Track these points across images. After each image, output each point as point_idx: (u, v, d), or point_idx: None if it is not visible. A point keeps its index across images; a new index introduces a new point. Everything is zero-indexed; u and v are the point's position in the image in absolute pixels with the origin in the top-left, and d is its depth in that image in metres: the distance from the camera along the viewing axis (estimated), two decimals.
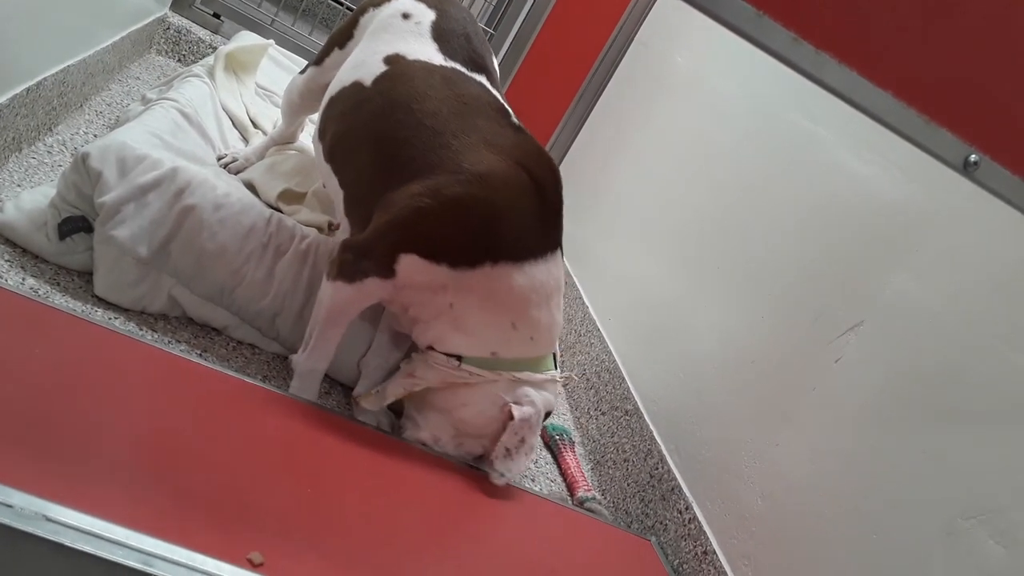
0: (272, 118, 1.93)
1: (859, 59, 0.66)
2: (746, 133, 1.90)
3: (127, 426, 0.94)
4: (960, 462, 1.11)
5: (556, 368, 1.40)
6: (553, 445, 1.78)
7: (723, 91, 2.08)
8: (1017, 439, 1.06)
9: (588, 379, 2.04)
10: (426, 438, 1.36)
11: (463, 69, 1.47)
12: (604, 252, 2.32)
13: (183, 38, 2.40)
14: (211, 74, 1.86)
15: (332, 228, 1.59)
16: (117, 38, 1.97)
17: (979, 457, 1.09)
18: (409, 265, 1.25)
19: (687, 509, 1.51)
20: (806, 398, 1.39)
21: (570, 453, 1.77)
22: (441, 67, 1.44)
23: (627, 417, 1.81)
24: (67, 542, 0.60)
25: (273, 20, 2.65)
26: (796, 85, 1.76)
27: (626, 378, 1.89)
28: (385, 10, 1.57)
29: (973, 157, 0.71)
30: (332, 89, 1.50)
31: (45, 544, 0.60)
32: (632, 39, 2.69)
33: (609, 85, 2.73)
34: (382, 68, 1.43)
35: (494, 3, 2.92)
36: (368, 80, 1.42)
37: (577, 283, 2.32)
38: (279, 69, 2.24)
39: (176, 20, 2.42)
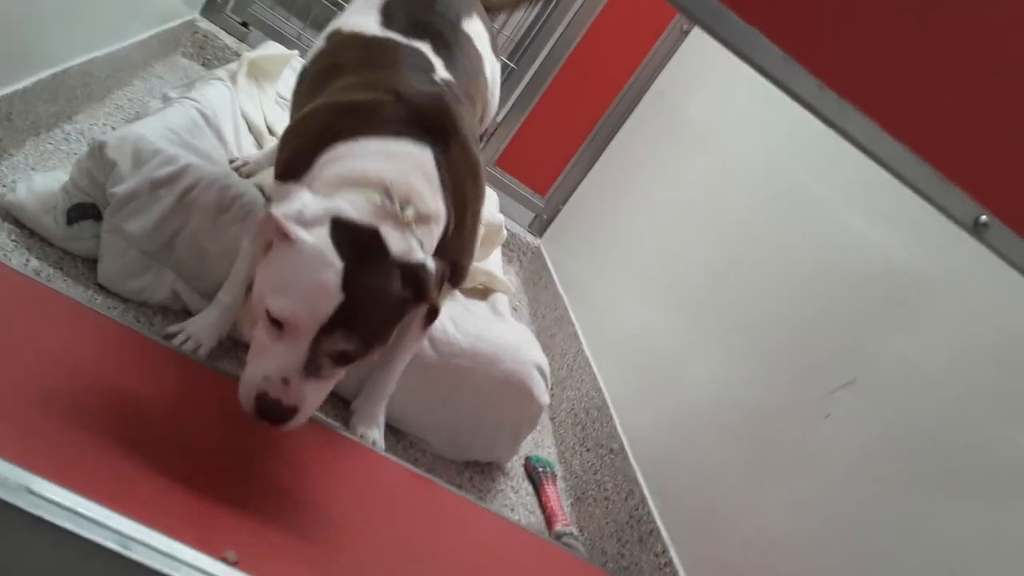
0: None
1: (880, 111, 0.67)
2: (754, 188, 1.92)
3: (117, 412, 0.93)
4: (943, 530, 1.10)
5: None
6: (536, 476, 1.77)
7: (735, 146, 2.10)
8: (1002, 512, 1.06)
9: (576, 415, 2.03)
10: None
11: (399, 37, 1.38)
12: (604, 291, 2.32)
13: (210, 43, 2.43)
14: (233, 79, 1.88)
15: None
16: (145, 36, 1.99)
17: (962, 526, 1.08)
18: (273, 190, 1.26)
19: (663, 552, 1.49)
20: (794, 452, 1.38)
21: (551, 486, 1.76)
22: (372, 37, 1.38)
23: (612, 456, 1.80)
24: (47, 516, 0.60)
25: (300, 34, 2.68)
26: (807, 145, 1.79)
27: (614, 417, 1.88)
28: None
29: (983, 218, 0.72)
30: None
31: (25, 517, 0.59)
32: (649, 86, 2.72)
33: (623, 129, 2.76)
34: (321, 46, 1.44)
35: (516, 40, 2.96)
36: (310, 60, 1.43)
37: (574, 318, 2.33)
38: None
39: (205, 25, 2.45)
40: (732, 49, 0.66)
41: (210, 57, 2.44)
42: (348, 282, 1.00)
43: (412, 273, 1.07)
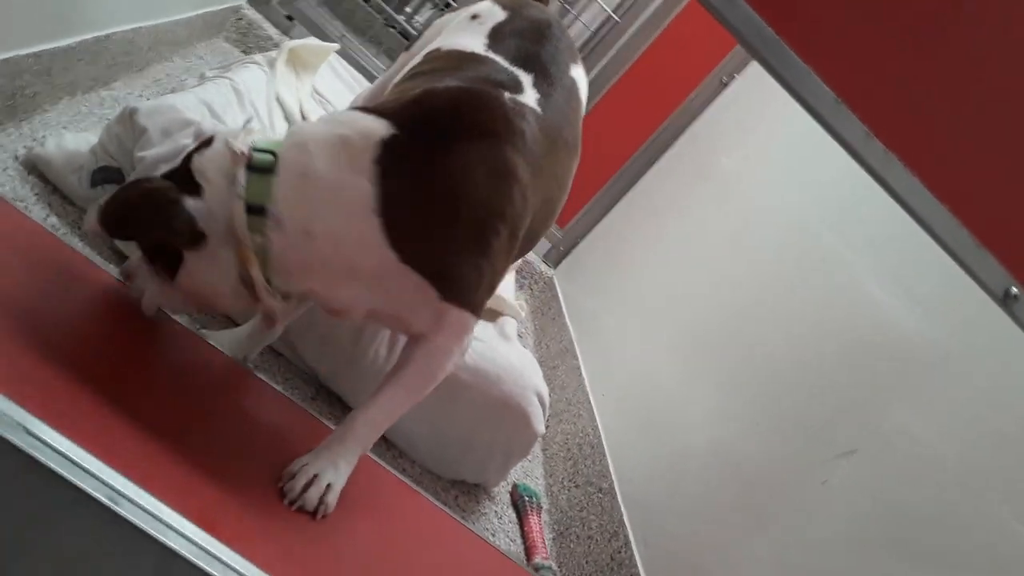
0: None
1: (925, 167, 0.67)
2: (774, 244, 1.91)
3: (119, 370, 0.93)
4: None
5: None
6: (521, 505, 1.75)
7: (760, 200, 2.10)
8: None
9: (569, 449, 2.01)
10: None
11: (501, 60, 1.30)
12: (612, 330, 2.31)
13: (252, 31, 2.45)
14: (271, 65, 1.89)
15: None
16: (192, 15, 2.01)
17: None
18: None
19: None
20: (786, 512, 1.37)
21: (535, 517, 1.74)
22: (470, 53, 1.31)
23: (600, 495, 1.78)
24: (41, 458, 0.59)
25: (342, 36, 2.70)
26: (832, 207, 1.79)
27: (607, 456, 1.87)
28: (460, 13, 1.50)
29: (1014, 290, 0.71)
30: None
31: (19, 455, 0.58)
32: (682, 132, 2.73)
33: (651, 171, 2.77)
34: (417, 61, 1.37)
35: None
36: (395, 78, 1.40)
37: (578, 353, 2.32)
38: (338, 80, 2.27)
39: (250, 13, 2.47)
40: (785, 86, 0.66)
41: (251, 45, 2.46)
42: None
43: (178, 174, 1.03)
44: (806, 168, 1.94)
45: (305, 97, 1.98)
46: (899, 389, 1.35)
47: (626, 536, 1.63)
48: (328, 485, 1.04)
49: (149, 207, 0.99)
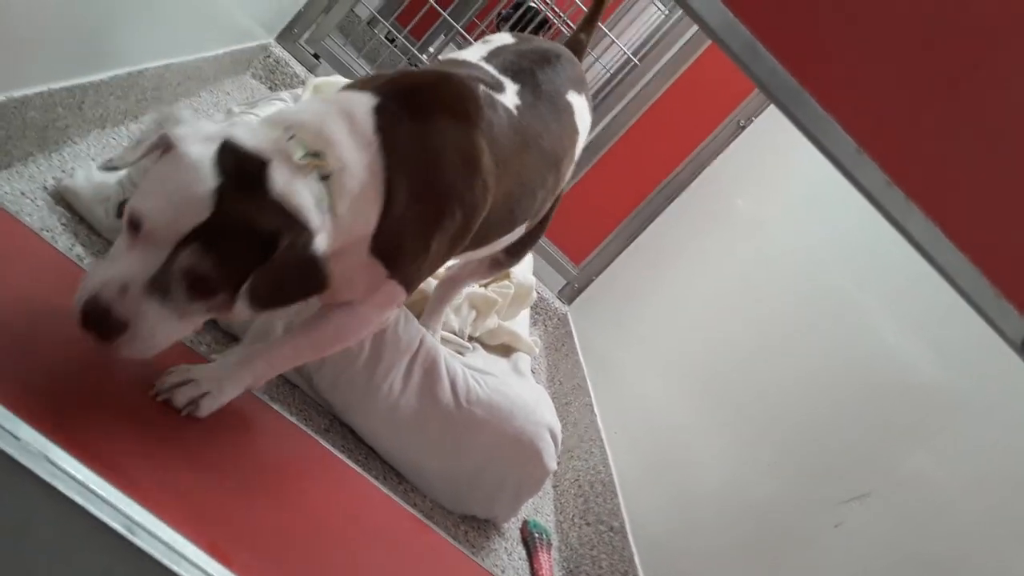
0: None
1: (946, 216, 0.67)
2: (790, 286, 1.91)
3: (136, 400, 0.93)
4: None
5: None
6: (531, 542, 1.73)
7: (776, 242, 2.11)
8: None
9: (580, 486, 2.00)
10: None
11: (491, 68, 1.34)
12: (625, 365, 2.31)
13: (279, 69, 2.50)
14: (296, 101, 1.92)
15: None
16: (220, 52, 2.05)
17: None
18: None
19: None
20: (799, 555, 1.35)
21: (545, 555, 1.72)
22: (464, 61, 1.37)
23: (611, 534, 1.77)
24: (61, 487, 0.59)
25: (367, 75, 2.75)
26: (849, 251, 1.79)
27: (619, 494, 1.85)
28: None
29: None
30: None
31: (40, 485, 0.59)
32: (699, 174, 2.75)
33: (667, 211, 2.78)
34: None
35: None
36: None
37: (591, 390, 2.31)
38: None
39: (277, 51, 2.52)
40: (806, 134, 0.67)
41: (278, 82, 2.50)
42: (218, 201, 0.90)
43: (286, 216, 0.94)
44: (822, 212, 1.94)
45: None
46: (914, 434, 1.34)
47: (636, 575, 1.61)
48: (205, 394, 1.03)
49: (302, 277, 0.95)
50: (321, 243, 0.95)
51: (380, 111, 1.07)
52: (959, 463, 1.24)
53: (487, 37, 1.54)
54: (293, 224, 0.93)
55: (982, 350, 1.23)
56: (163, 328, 0.90)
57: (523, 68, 1.39)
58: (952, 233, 0.68)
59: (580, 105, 1.52)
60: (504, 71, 1.36)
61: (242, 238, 0.92)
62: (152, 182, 0.95)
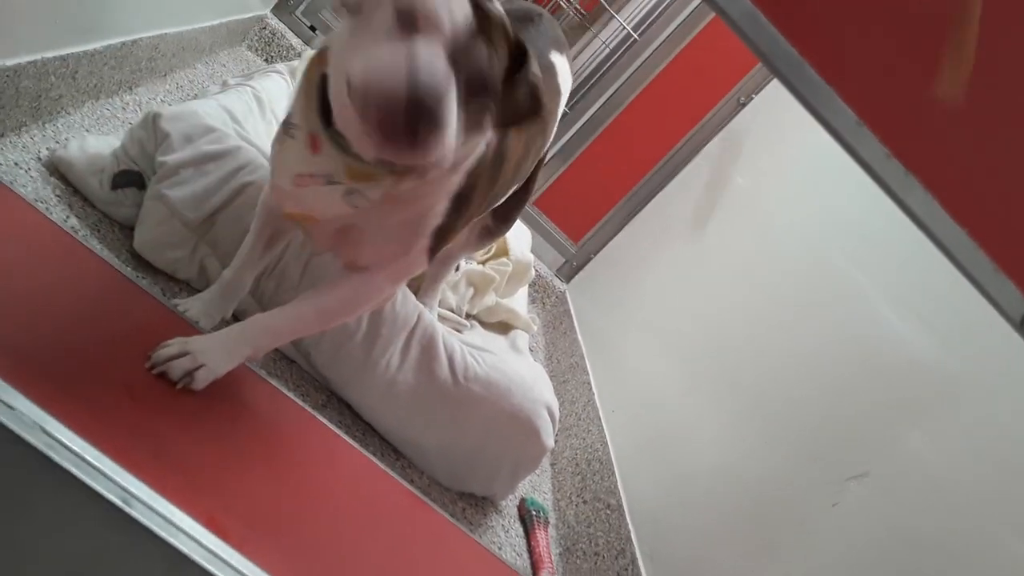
0: None
1: (945, 189, 0.67)
2: (787, 265, 1.91)
3: (131, 372, 0.93)
4: None
5: None
6: (528, 519, 1.74)
7: (775, 222, 2.10)
8: None
9: (577, 464, 2.01)
10: None
11: None
12: (623, 346, 2.31)
13: (276, 41, 2.47)
14: (293, 74, 1.90)
15: None
16: (216, 22, 2.03)
17: None
18: None
19: None
20: (795, 535, 1.36)
21: (542, 532, 1.73)
22: None
23: (608, 511, 1.78)
24: (56, 458, 0.59)
25: None
26: (848, 231, 1.78)
27: (616, 472, 1.86)
28: None
29: None
30: None
31: (35, 454, 0.59)
32: (698, 152, 2.74)
33: (665, 189, 2.77)
34: None
35: (574, 85, 2.99)
36: None
37: (589, 368, 2.31)
38: None
39: (274, 22, 2.50)
40: (806, 105, 0.66)
41: (274, 54, 2.48)
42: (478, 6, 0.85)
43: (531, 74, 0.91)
44: (821, 190, 1.93)
45: None
46: (912, 413, 1.34)
47: (633, 554, 1.62)
48: (202, 366, 1.01)
49: (534, 99, 0.93)
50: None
51: None
52: (956, 442, 1.24)
53: None
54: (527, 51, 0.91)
55: (979, 328, 1.23)
56: (455, 133, 0.83)
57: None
58: (951, 207, 0.67)
59: (562, 65, 1.49)
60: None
61: (503, 44, 0.88)
62: None
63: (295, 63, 2.00)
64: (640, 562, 1.60)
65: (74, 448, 0.61)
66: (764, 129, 2.45)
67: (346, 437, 1.31)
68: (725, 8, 0.60)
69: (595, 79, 2.90)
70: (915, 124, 0.66)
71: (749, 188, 2.34)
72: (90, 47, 1.40)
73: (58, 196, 1.30)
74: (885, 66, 0.65)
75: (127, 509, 0.61)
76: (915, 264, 1.49)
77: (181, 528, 0.65)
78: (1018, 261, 0.70)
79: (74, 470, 0.60)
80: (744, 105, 2.67)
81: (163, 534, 0.63)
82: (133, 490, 0.63)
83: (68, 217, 1.29)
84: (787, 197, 2.14)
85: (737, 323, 1.92)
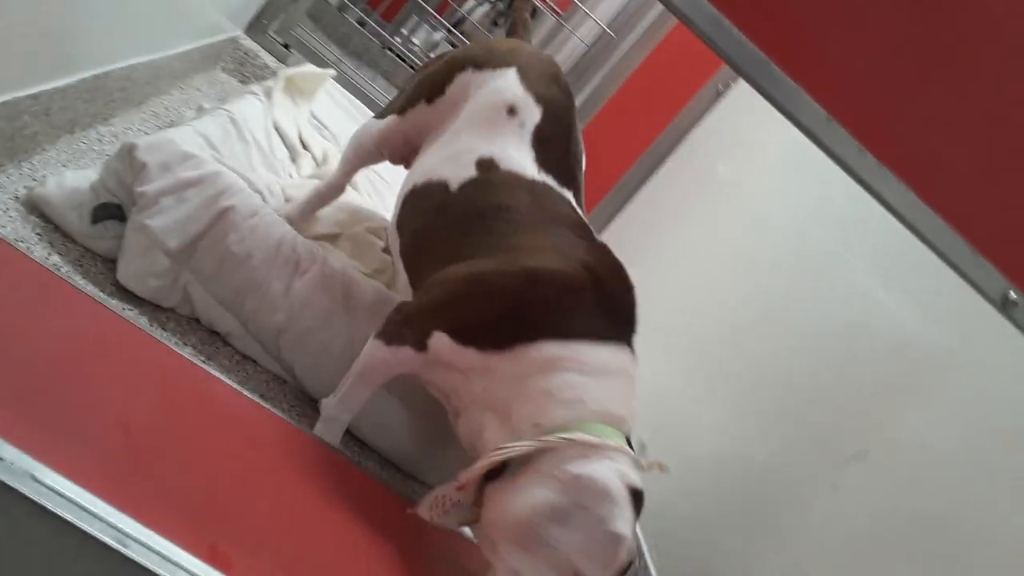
0: (323, 146, 1.96)
1: (918, 178, 0.67)
2: (776, 250, 1.92)
3: (123, 411, 0.93)
4: None
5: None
6: None
7: (760, 206, 2.11)
8: None
9: None
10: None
11: (554, 184, 1.38)
12: None
13: (250, 61, 2.47)
14: (268, 95, 1.90)
15: None
16: (188, 48, 2.03)
17: None
18: (440, 343, 1.21)
19: None
20: (797, 518, 1.36)
21: None
22: (532, 180, 1.35)
23: None
24: (49, 505, 0.59)
25: (339, 61, 2.72)
26: (835, 212, 1.79)
27: None
28: (488, 89, 1.44)
29: (1012, 295, 0.72)
30: (417, 178, 1.42)
31: (27, 503, 0.59)
32: (680, 142, 2.74)
33: (650, 182, 2.78)
34: (472, 173, 1.35)
35: None
36: (455, 183, 1.35)
37: None
38: (335, 106, 2.29)
39: (247, 43, 2.49)
40: (775, 105, 0.66)
41: (249, 75, 2.48)
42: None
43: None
44: (804, 174, 1.94)
45: (303, 124, 1.99)
46: (906, 391, 1.35)
47: (639, 545, 1.62)
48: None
49: None
50: None
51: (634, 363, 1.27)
52: (950, 418, 1.25)
53: (505, 97, 1.42)
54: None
55: (968, 305, 1.24)
56: None
57: (566, 166, 1.43)
58: (926, 195, 0.68)
59: (581, 175, 1.55)
60: (561, 180, 1.39)
61: None
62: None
63: (270, 83, 2.00)
64: (645, 550, 1.60)
65: (67, 494, 0.61)
66: (743, 116, 2.45)
67: (352, 460, 1.32)
68: (689, 15, 0.60)
69: (574, 78, 2.90)
70: (885, 117, 0.67)
71: (732, 176, 2.34)
72: (62, 83, 1.39)
73: (38, 234, 1.30)
74: (852, 62, 0.65)
75: (123, 550, 0.61)
76: (902, 244, 1.49)
77: (179, 564, 0.65)
78: (996, 243, 0.70)
79: (67, 515, 0.60)
80: (722, 93, 2.68)
81: (162, 572, 0.63)
82: (128, 530, 0.63)
83: (50, 255, 1.28)
84: (771, 183, 2.14)
85: (729, 311, 1.93)
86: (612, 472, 1.05)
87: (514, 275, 1.20)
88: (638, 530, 1.67)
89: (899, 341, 1.42)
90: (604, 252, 1.30)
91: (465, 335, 1.20)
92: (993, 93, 0.66)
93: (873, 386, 1.42)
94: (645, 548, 1.62)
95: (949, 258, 0.71)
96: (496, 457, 1.07)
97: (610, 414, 1.13)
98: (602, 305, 1.21)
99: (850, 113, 0.65)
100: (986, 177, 0.68)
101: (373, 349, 1.29)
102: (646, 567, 1.57)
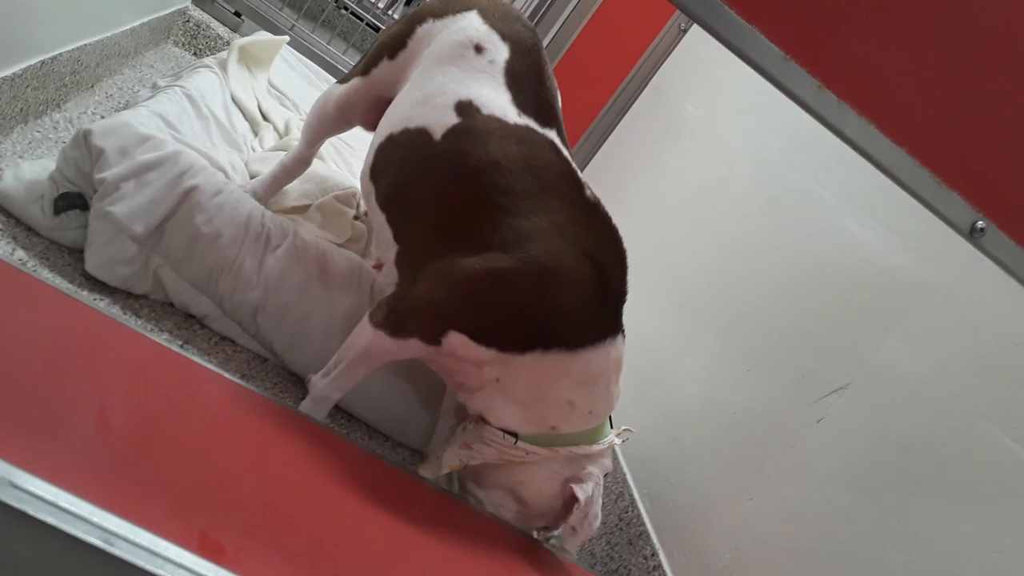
0: (284, 116, 1.93)
1: (879, 113, 0.66)
2: (749, 188, 1.91)
3: (101, 405, 0.92)
4: (932, 534, 1.10)
5: (611, 428, 1.38)
6: None
7: (730, 145, 2.10)
8: (990, 516, 1.06)
9: None
10: (488, 513, 1.37)
11: (536, 126, 1.35)
12: None
13: (201, 32, 2.41)
14: (223, 67, 1.86)
15: (375, 267, 1.55)
16: (136, 24, 1.97)
17: (952, 532, 1.08)
18: (456, 341, 1.23)
19: (653, 556, 1.49)
20: (784, 455, 1.38)
21: None
22: (515, 126, 1.32)
23: None
24: (30, 511, 0.59)
25: (293, 25, 2.66)
26: (805, 146, 1.78)
27: None
28: (451, 31, 1.41)
29: (980, 223, 0.72)
30: (393, 125, 1.37)
31: (7, 511, 0.58)
32: (646, 84, 2.71)
33: (619, 126, 2.75)
34: (453, 119, 1.31)
35: None
36: (437, 131, 1.31)
37: None
38: (292, 72, 2.24)
39: (197, 14, 2.43)
40: (730, 47, 0.65)
41: (202, 47, 2.42)
42: None
43: None
44: (771, 109, 1.93)
45: (262, 94, 1.95)
46: (884, 322, 1.36)
47: (631, 495, 1.64)
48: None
49: None
50: None
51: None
52: (928, 345, 1.26)
53: (470, 35, 1.38)
54: None
55: (941, 235, 1.24)
56: None
57: (544, 103, 1.40)
58: (888, 130, 0.67)
59: (559, 108, 1.52)
60: (542, 120, 1.37)
61: None
62: None
63: (223, 54, 1.96)
64: (639, 502, 1.62)
65: (48, 498, 0.60)
66: (710, 53, 2.43)
67: (334, 430, 1.32)
68: None
69: (534, 24, 2.86)
70: (842, 53, 0.66)
71: (700, 115, 2.33)
72: (8, 72, 1.36)
73: (0, 230, 1.28)
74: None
75: (110, 550, 0.61)
76: (872, 178, 1.49)
77: (167, 558, 0.65)
78: (960, 172, 0.70)
79: (50, 519, 0.59)
80: (685, 31, 2.65)
81: (150, 567, 0.62)
82: (114, 528, 0.62)
83: (14, 250, 1.26)
84: (738, 121, 2.13)
85: (707, 253, 1.93)
86: (600, 473, 1.36)
87: (532, 277, 1.22)
88: (629, 479, 1.69)
89: (874, 270, 1.43)
90: (602, 224, 1.33)
91: (485, 337, 1.23)
92: (950, 23, 0.66)
93: (851, 320, 1.43)
94: (637, 496, 1.64)
95: (914, 190, 0.71)
96: (522, 459, 1.31)
97: (607, 411, 1.34)
98: (606, 301, 1.30)
99: (807, 52, 0.64)
100: (948, 109, 0.68)
101: (375, 338, 1.28)
102: (640, 518, 1.59)
